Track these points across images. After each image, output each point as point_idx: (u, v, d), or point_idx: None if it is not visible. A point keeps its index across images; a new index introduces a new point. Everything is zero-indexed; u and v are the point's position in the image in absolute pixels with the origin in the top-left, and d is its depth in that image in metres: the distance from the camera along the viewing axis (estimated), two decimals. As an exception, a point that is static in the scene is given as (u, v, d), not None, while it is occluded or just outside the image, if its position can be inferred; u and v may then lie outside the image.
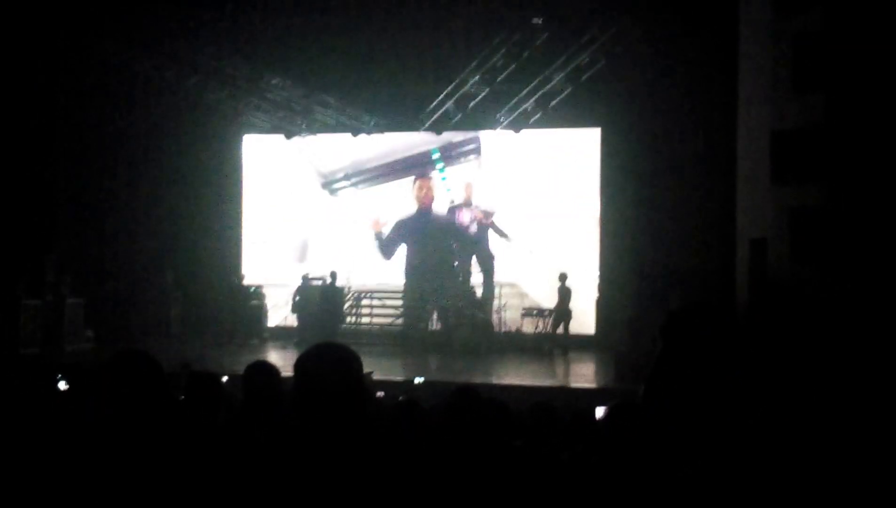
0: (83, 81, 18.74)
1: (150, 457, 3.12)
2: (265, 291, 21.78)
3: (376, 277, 22.00)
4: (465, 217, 21.71)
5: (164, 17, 16.43)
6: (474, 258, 21.51)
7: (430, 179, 22.03)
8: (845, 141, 12.87)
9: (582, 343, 19.12)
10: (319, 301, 19.07)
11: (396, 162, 22.18)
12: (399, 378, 14.34)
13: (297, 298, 20.40)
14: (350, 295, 21.27)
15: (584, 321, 19.94)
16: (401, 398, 7.27)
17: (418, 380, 14.21)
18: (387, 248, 22.19)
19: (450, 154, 21.87)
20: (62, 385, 6.53)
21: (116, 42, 16.74)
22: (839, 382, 10.71)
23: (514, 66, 17.50)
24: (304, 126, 21.35)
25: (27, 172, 18.72)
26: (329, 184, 22.67)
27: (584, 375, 16.66)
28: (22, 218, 18.55)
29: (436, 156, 21.88)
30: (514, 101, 18.99)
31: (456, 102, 19.22)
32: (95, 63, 17.82)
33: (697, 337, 2.39)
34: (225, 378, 8.74)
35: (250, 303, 21.18)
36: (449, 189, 21.85)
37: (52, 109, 18.90)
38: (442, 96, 19.17)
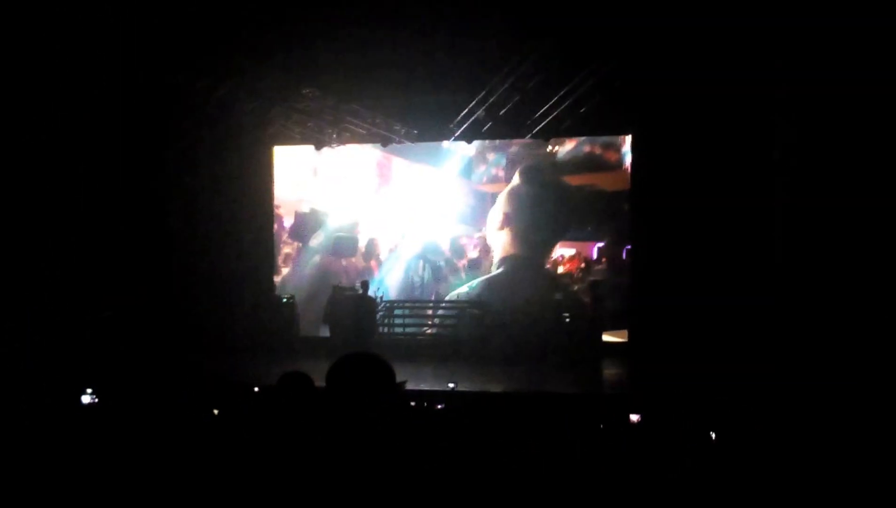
0: (112, 93, 18.85)
1: (182, 468, 3.13)
2: (297, 301, 21.91)
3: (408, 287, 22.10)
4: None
5: (193, 28, 16.49)
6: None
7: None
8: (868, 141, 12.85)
9: (615, 351, 19.06)
10: (352, 311, 19.09)
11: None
12: (432, 387, 14.34)
13: (330, 308, 20.43)
14: (382, 305, 21.28)
15: (616, 328, 19.91)
16: (435, 406, 7.26)
17: (451, 386, 14.22)
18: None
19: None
20: (87, 399, 6.55)
21: (145, 54, 16.83)
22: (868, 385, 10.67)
23: (544, 73, 17.47)
24: (334, 136, 21.39)
25: (59, 188, 18.83)
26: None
27: (617, 382, 16.61)
28: (54, 233, 18.65)
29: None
30: (544, 108, 18.95)
31: (486, 110, 19.21)
32: (124, 75, 17.93)
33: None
34: (257, 389, 8.76)
35: (282, 313, 21.26)
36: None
37: (81, 124, 19.00)
38: (472, 104, 19.17)
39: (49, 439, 4.27)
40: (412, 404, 8.79)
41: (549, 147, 21.03)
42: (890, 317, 12.26)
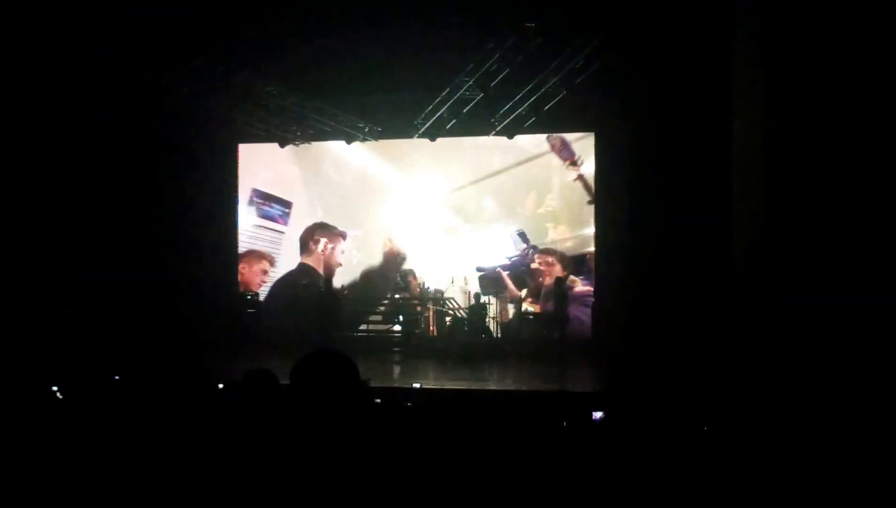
0: (76, 90, 18.67)
1: (151, 467, 3.11)
2: (261, 298, 21.82)
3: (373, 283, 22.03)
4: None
5: (157, 24, 16.37)
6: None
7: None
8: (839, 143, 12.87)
9: (578, 347, 19.09)
10: (315, 308, 19.02)
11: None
12: (396, 385, 14.32)
13: (293, 305, 20.36)
14: (346, 301, 21.21)
15: (579, 325, 19.94)
16: (399, 404, 7.24)
17: (416, 385, 14.22)
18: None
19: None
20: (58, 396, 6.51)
21: (109, 50, 16.68)
22: (843, 384, 10.73)
23: (507, 70, 17.48)
24: (298, 133, 21.31)
25: (25, 184, 18.63)
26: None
27: (580, 379, 16.63)
28: (20, 231, 18.46)
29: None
30: (508, 105, 18.96)
31: (450, 107, 19.20)
32: (88, 70, 17.75)
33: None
34: (221, 386, 8.71)
35: (246, 311, 21.17)
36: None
37: (46, 121, 18.80)
38: (436, 102, 19.16)
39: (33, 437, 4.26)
40: (378, 401, 8.79)
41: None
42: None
